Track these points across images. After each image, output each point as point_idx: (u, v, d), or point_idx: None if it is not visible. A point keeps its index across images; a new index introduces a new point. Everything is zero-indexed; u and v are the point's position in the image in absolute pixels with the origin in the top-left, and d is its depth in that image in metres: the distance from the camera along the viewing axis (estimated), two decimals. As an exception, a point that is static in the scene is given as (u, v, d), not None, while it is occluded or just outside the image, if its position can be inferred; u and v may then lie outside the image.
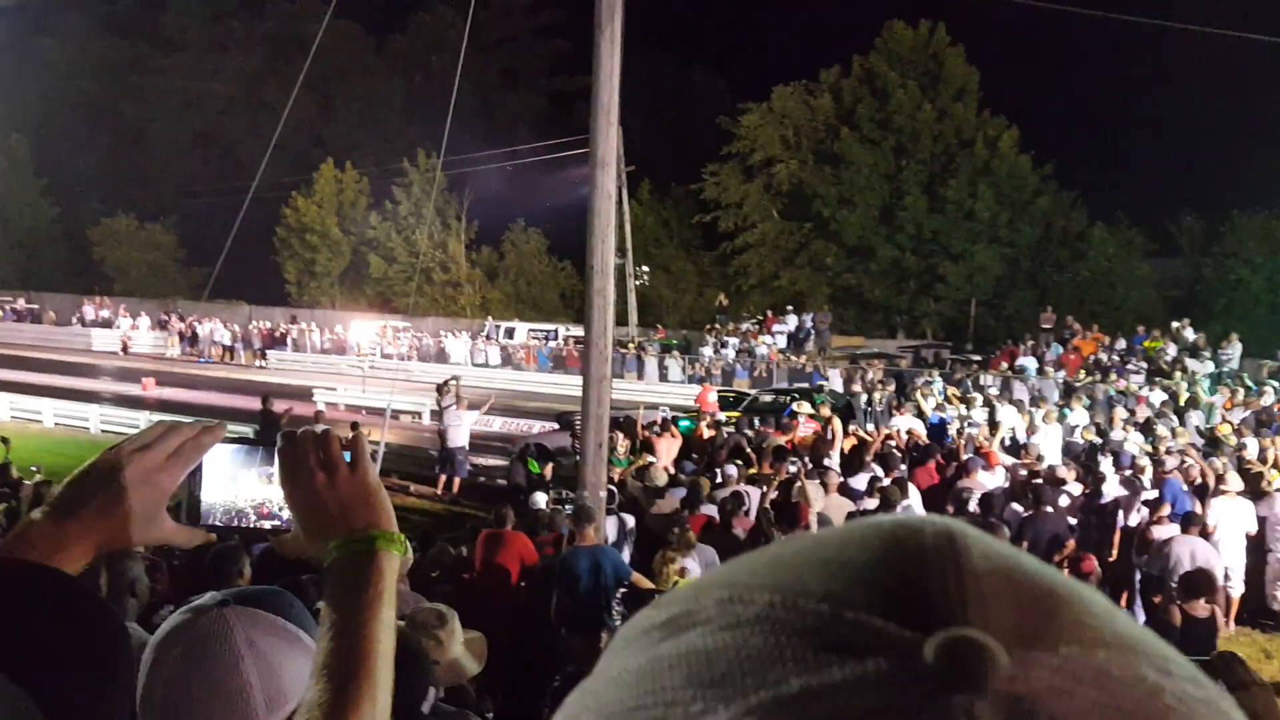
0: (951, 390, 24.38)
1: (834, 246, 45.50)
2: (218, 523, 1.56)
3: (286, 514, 1.53)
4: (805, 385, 29.68)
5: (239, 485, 1.57)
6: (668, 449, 16.48)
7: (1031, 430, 18.52)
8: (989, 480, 13.59)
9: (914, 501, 12.30)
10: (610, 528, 11.18)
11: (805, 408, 20.31)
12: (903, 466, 14.39)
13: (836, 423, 17.75)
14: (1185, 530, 10.98)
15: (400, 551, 1.41)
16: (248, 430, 21.55)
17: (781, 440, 16.26)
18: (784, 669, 0.38)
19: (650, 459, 14.83)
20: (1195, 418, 19.96)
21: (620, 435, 16.38)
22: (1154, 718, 0.38)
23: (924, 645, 0.37)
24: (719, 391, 26.75)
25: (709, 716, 0.38)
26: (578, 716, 0.43)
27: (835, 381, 31.35)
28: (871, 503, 11.88)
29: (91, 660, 0.89)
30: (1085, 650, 0.39)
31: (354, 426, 18.98)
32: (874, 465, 14.36)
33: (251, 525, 1.58)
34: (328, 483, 1.41)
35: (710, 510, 11.56)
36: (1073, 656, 0.39)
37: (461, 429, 19.36)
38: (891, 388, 26.89)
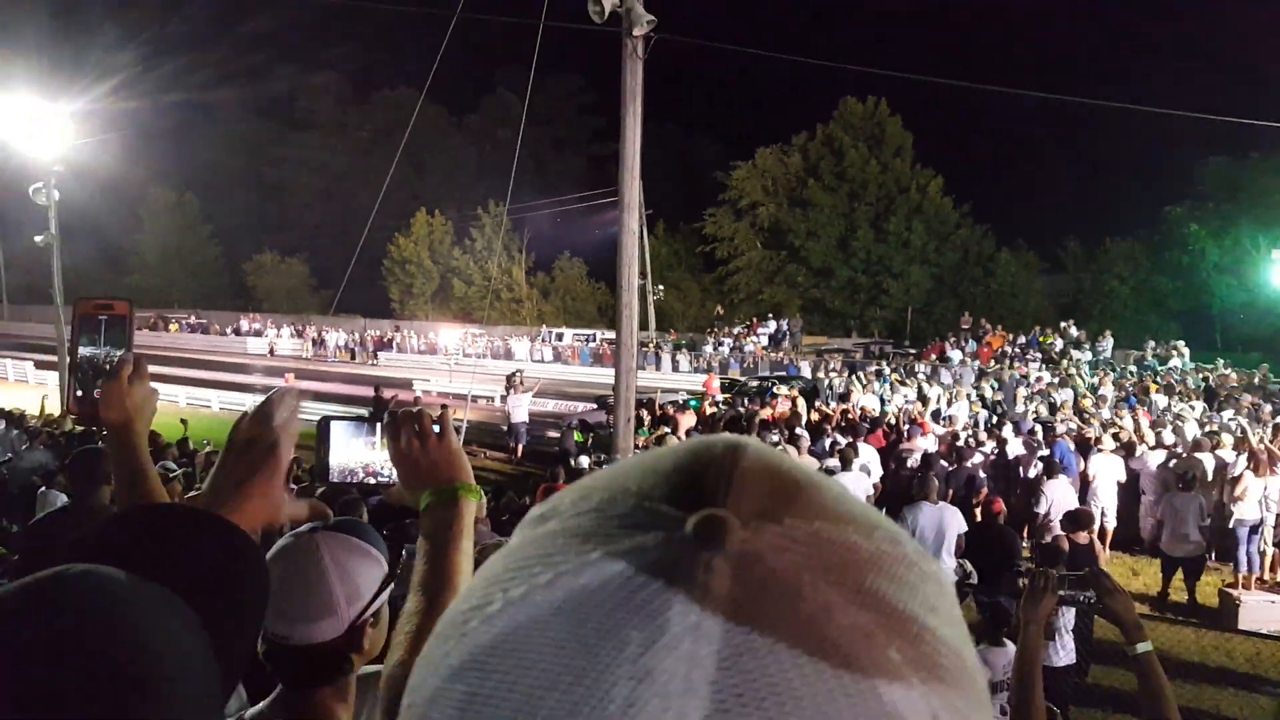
0: (894, 376, 24.24)
1: (803, 269, 45.35)
2: (335, 479, 1.57)
3: (389, 472, 1.53)
4: (782, 374, 29.60)
5: (350, 451, 1.57)
6: (685, 422, 16.50)
7: (951, 404, 18.42)
8: (924, 444, 13.52)
9: (869, 460, 12.23)
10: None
11: (783, 390, 20.21)
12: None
13: (802, 401, 17.69)
14: (1050, 476, 10.92)
15: (476, 498, 1.41)
16: (364, 412, 21.63)
17: (765, 415, 16.26)
18: (598, 541, 0.41)
19: (666, 430, 14.80)
20: (1066, 394, 19.81)
21: (644, 412, 16.42)
22: (850, 565, 0.40)
23: (687, 520, 0.40)
24: (720, 379, 26.58)
25: (543, 575, 0.40)
26: (477, 578, 0.45)
27: (805, 370, 31.23)
28: (832, 462, 11.86)
29: (240, 584, 0.91)
30: (806, 521, 0.42)
31: (443, 408, 19.07)
32: (835, 433, 14.30)
33: (360, 481, 1.58)
34: (421, 448, 1.41)
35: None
36: (794, 525, 0.41)
37: (521, 409, 19.42)
38: (847, 374, 26.77)
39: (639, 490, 0.43)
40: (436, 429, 1.44)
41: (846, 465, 10.81)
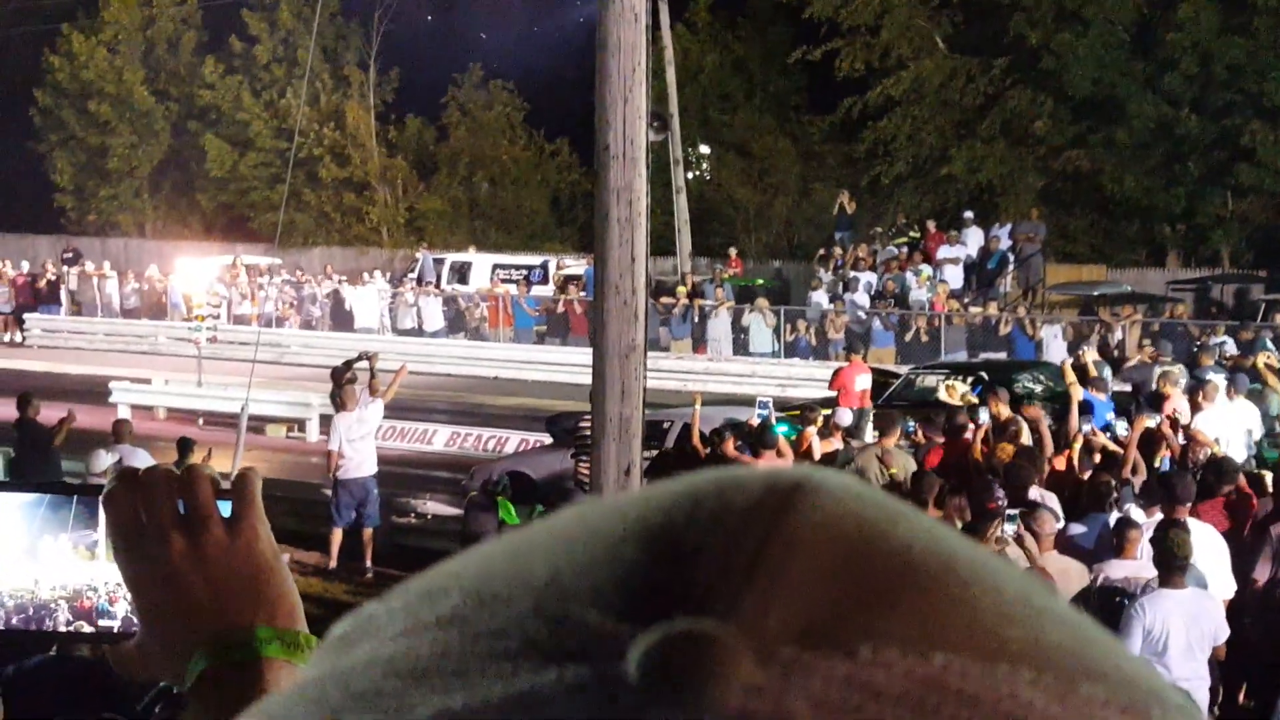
0: (1266, 359, 24.18)
1: (1047, 99, 45.22)
2: (3, 623, 1.60)
3: (121, 609, 1.58)
4: (997, 356, 29.57)
5: (40, 563, 1.60)
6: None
7: None
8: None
9: (1213, 556, 12.25)
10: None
11: (959, 390, 20.15)
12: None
13: (1042, 417, 17.64)
14: None
15: (302, 660, 1.45)
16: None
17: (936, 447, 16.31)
18: (443, 686, 0.46)
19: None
20: None
21: (664, 450, 16.41)
22: None
23: (632, 644, 0.43)
24: (871, 370, 26.25)
25: None
26: None
27: (1054, 347, 31.14)
28: (1127, 567, 11.82)
29: None
30: (909, 654, 0.45)
31: (182, 448, 19.21)
32: (1125, 494, 14.22)
33: (63, 629, 1.61)
34: (190, 551, 1.46)
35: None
36: (883, 661, 0.44)
37: (360, 445, 19.45)
38: (1160, 359, 26.69)
39: (548, 580, 0.48)
40: (224, 508, 1.51)
41: (1173, 572, 10.81)
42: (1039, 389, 22.29)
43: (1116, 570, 11.88)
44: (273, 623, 1.46)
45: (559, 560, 0.48)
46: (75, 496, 1.62)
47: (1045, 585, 0.39)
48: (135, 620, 1.52)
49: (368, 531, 19.48)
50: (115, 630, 1.60)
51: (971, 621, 0.45)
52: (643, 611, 0.44)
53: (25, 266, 48.33)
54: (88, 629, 1.61)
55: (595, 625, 0.44)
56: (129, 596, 1.51)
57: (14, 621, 1.60)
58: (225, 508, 1.50)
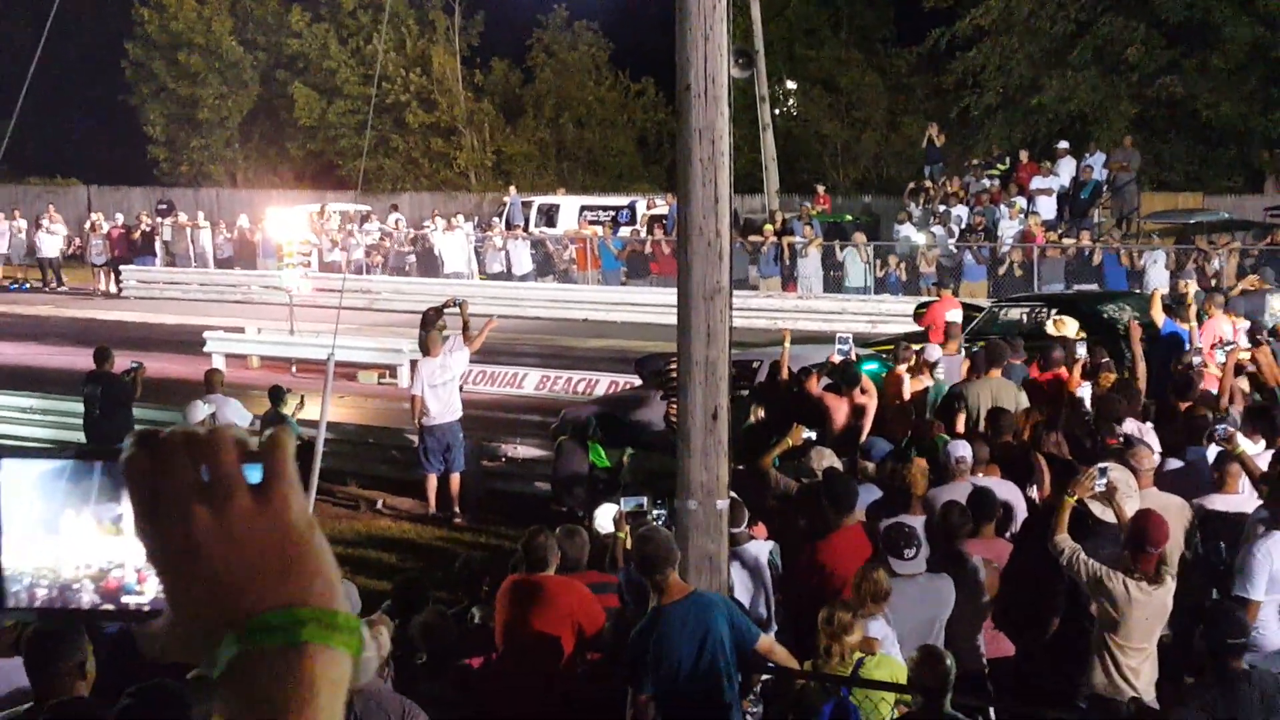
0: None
1: (1140, 25, 44.74)
2: (26, 603, 1.53)
3: (150, 588, 1.51)
4: (1089, 287, 29.29)
5: (62, 538, 1.52)
6: (871, 411, 16.40)
7: None
8: None
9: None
10: (735, 566, 11.15)
11: (1068, 325, 19.98)
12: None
13: (1138, 347, 17.53)
14: None
15: (350, 649, 1.41)
16: (73, 406, 21.84)
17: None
18: None
19: (809, 435, 14.74)
20: None
21: (762, 395, 16.35)
22: None
23: None
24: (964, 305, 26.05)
25: None
26: None
27: (1155, 274, 30.86)
28: (1229, 501, 11.60)
29: None
30: None
31: (274, 397, 19.29)
32: (1235, 428, 13.93)
33: (88, 607, 1.54)
34: (214, 524, 1.41)
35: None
36: None
37: (443, 390, 19.49)
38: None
39: None
40: (253, 473, 1.45)
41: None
42: (1124, 318, 22.11)
43: (1218, 504, 11.70)
44: (309, 602, 1.39)
45: None
46: (99, 464, 1.51)
47: None
48: (160, 598, 1.46)
49: (455, 477, 19.55)
50: (144, 607, 1.51)
51: None
52: None
53: (120, 218, 48.78)
54: (109, 606, 1.53)
55: None
56: (152, 571, 1.45)
57: (36, 598, 1.52)
58: (255, 472, 1.42)
